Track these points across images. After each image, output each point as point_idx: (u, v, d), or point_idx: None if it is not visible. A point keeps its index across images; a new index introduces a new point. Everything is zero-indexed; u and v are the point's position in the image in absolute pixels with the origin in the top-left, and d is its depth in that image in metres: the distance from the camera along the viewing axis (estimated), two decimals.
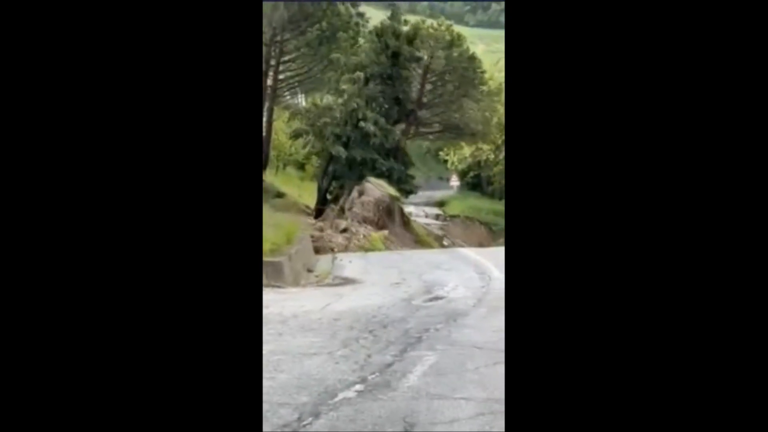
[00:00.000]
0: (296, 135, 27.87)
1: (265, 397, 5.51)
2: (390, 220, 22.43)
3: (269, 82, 27.24)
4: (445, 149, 32.43)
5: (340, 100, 26.16)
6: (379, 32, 26.70)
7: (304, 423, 4.90)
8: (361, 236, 19.94)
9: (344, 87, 25.63)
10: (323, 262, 15.21)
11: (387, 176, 25.62)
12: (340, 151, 25.51)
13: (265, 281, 11.46)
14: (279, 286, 11.74)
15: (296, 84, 29.71)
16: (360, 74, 25.43)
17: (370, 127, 24.89)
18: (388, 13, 27.39)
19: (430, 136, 32.79)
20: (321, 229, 20.02)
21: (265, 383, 5.89)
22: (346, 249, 18.40)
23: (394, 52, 26.30)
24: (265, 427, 4.70)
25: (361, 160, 25.20)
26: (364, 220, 21.06)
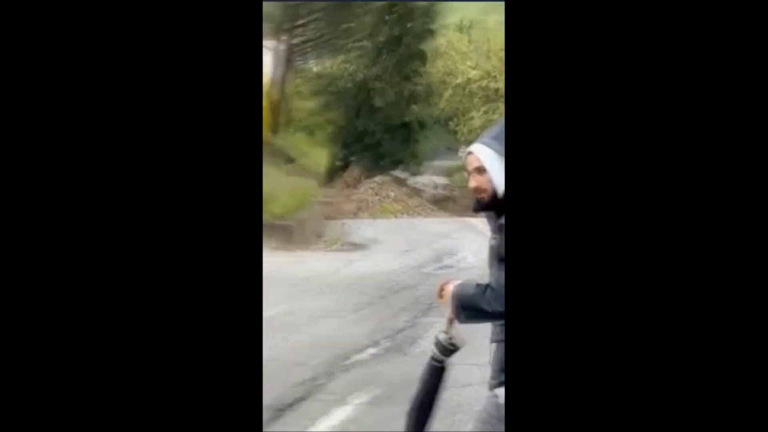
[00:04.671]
0: (307, 101, 27.68)
1: (280, 357, 5.60)
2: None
3: (282, 46, 27.01)
4: (455, 119, 32.23)
5: (351, 68, 25.90)
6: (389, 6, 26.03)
7: (318, 383, 4.99)
8: (371, 203, 19.98)
9: (354, 56, 25.36)
10: (332, 228, 15.25)
11: (398, 162, 25.38)
12: (349, 120, 25.34)
13: (274, 244, 11.54)
14: (289, 250, 11.82)
15: (309, 50, 29.47)
16: (368, 44, 25.09)
17: (378, 100, 24.66)
18: None
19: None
20: (331, 196, 20.05)
21: (279, 343, 5.97)
22: (356, 216, 18.44)
23: (404, 26, 25.59)
24: (281, 384, 4.79)
25: (370, 131, 25.00)
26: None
